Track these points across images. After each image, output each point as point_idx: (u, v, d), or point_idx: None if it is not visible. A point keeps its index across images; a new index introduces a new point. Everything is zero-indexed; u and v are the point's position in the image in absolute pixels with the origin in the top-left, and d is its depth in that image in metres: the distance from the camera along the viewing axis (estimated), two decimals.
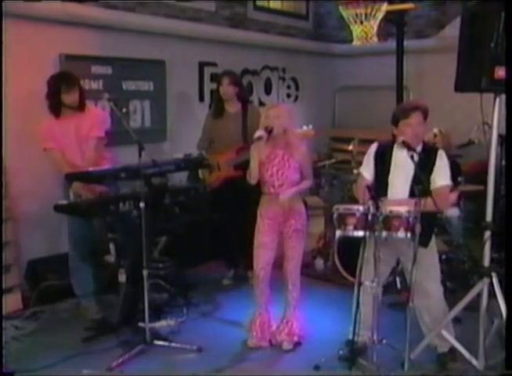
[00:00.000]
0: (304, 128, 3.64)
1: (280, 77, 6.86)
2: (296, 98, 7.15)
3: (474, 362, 3.02)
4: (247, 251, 3.65)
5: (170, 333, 3.68)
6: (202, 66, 5.76)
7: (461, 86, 2.95)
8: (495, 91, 2.88)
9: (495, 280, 2.95)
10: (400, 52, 5.92)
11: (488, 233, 3.01)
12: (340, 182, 5.06)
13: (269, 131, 3.35)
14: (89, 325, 3.80)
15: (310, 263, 4.95)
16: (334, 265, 4.25)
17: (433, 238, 3.20)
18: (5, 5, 3.49)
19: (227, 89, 4.48)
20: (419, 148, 3.10)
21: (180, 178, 4.60)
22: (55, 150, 3.80)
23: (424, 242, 3.03)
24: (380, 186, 3.15)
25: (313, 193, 5.72)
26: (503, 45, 2.71)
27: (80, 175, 3.60)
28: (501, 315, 2.90)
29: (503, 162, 4.08)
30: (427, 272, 3.11)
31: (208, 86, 5.78)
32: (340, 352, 3.28)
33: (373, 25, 5.47)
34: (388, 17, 5.69)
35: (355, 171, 4.78)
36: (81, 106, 3.85)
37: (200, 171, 4.59)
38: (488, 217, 3.01)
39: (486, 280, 2.98)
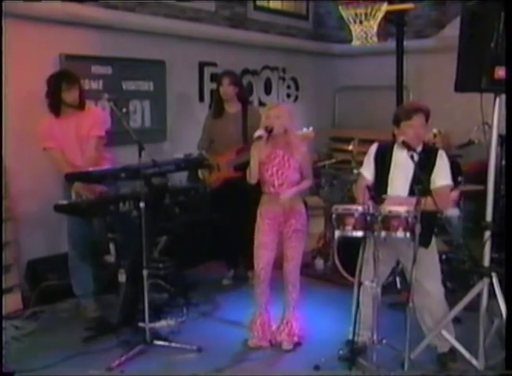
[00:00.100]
0: (305, 130, 3.64)
1: (280, 77, 6.86)
2: (296, 98, 7.15)
3: (474, 362, 3.02)
4: (247, 251, 3.65)
5: (170, 333, 3.68)
6: (202, 66, 5.76)
7: (461, 86, 2.95)
8: (495, 91, 2.88)
9: (495, 280, 2.95)
10: (400, 52, 5.92)
11: (488, 233, 3.01)
12: (340, 182, 5.06)
13: (269, 130, 3.35)
14: (89, 325, 3.80)
15: (310, 263, 4.95)
16: (334, 265, 4.25)
17: (433, 239, 3.20)
18: (5, 5, 3.49)
19: (227, 89, 4.47)
20: (419, 148, 3.10)
21: (180, 178, 4.61)
22: (54, 150, 3.80)
23: (425, 242, 3.03)
24: (380, 186, 3.15)
25: (313, 193, 5.72)
26: (503, 45, 2.71)
27: (80, 175, 3.60)
28: (501, 315, 2.90)
29: (503, 162, 4.08)
30: (427, 272, 3.12)
31: (208, 86, 5.78)
32: (340, 352, 3.29)
33: (373, 25, 5.46)
34: (388, 17, 5.68)
35: (355, 171, 4.78)
36: (81, 105, 3.86)
37: (199, 172, 4.60)
38: (488, 217, 3.02)
39: (486, 280, 2.98)
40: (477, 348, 3.02)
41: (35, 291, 4.13)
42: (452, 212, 4.47)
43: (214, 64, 5.80)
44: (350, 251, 3.26)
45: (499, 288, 2.93)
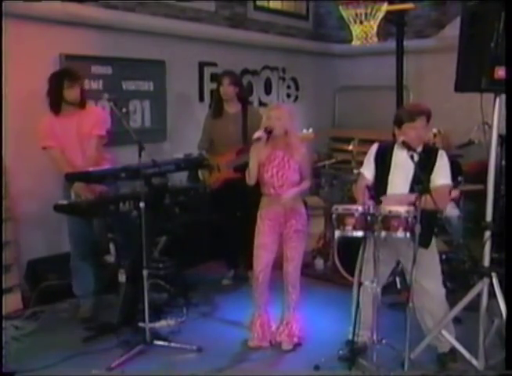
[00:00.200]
0: (305, 131, 3.64)
1: (280, 77, 6.86)
2: (296, 98, 7.15)
3: (474, 362, 3.02)
4: (247, 251, 3.65)
5: (170, 333, 3.68)
6: (202, 66, 5.76)
7: (461, 86, 2.95)
8: (495, 91, 2.88)
9: (495, 280, 2.95)
10: (400, 52, 5.92)
11: (488, 233, 3.01)
12: (340, 182, 5.06)
13: (269, 132, 3.35)
14: (89, 325, 3.80)
15: (310, 263, 4.95)
16: (334, 265, 4.25)
17: (433, 239, 3.20)
18: (5, 5, 3.50)
19: (227, 89, 4.47)
20: (419, 148, 3.11)
21: (180, 178, 4.61)
22: (54, 149, 3.79)
23: (425, 243, 3.03)
24: (380, 186, 3.16)
25: (313, 193, 5.72)
26: (503, 45, 2.71)
27: (80, 175, 3.59)
28: (501, 315, 2.90)
29: (503, 162, 4.08)
30: (428, 272, 3.12)
31: (208, 86, 5.78)
32: (340, 352, 3.29)
33: (373, 25, 5.47)
34: (388, 17, 5.68)
35: (355, 171, 4.78)
36: (82, 104, 3.86)
37: (199, 173, 4.59)
38: (488, 217, 3.01)
39: (486, 280, 2.98)
40: (477, 348, 3.02)
41: (35, 291, 4.13)
42: (452, 212, 4.47)
43: (214, 64, 5.79)
44: (350, 251, 3.27)
45: (499, 288, 2.93)
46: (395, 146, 3.18)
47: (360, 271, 3.06)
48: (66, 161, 3.79)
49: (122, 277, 3.73)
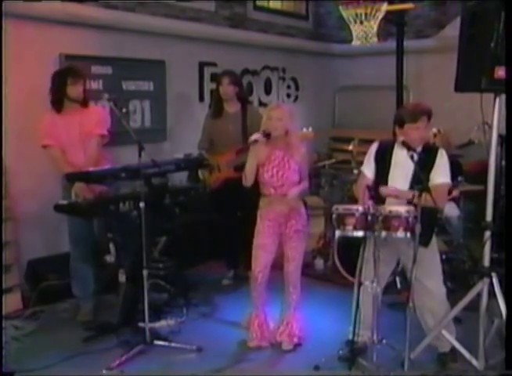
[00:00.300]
0: (304, 130, 3.64)
1: (280, 77, 6.86)
2: (296, 98, 7.15)
3: (474, 362, 3.02)
4: (247, 251, 3.64)
5: (170, 333, 3.68)
6: (202, 66, 5.76)
7: (461, 86, 2.95)
8: (495, 91, 2.88)
9: (495, 280, 2.95)
10: (400, 52, 5.92)
11: (488, 233, 3.01)
12: (340, 182, 5.06)
13: (266, 135, 3.35)
14: (89, 325, 3.80)
15: (310, 263, 4.95)
16: (334, 265, 4.25)
17: (434, 237, 3.20)
18: (5, 5, 3.49)
19: (227, 89, 4.47)
20: (419, 148, 3.11)
21: (180, 178, 4.61)
22: (54, 148, 3.78)
23: (424, 242, 3.03)
24: (379, 185, 3.15)
25: (313, 193, 5.72)
26: (503, 45, 2.71)
27: (80, 175, 3.59)
28: (501, 315, 2.90)
29: (503, 162, 4.08)
30: (428, 271, 3.12)
31: (208, 86, 5.78)
32: (340, 352, 3.29)
33: (373, 25, 5.47)
34: (388, 17, 5.69)
35: (355, 171, 4.79)
36: (84, 102, 3.86)
37: (199, 172, 4.59)
38: (488, 217, 3.02)
39: (486, 280, 2.98)
40: (477, 348, 3.02)
41: (35, 291, 4.13)
42: (452, 212, 4.47)
43: (214, 64, 5.79)
44: (350, 251, 3.26)
45: (499, 288, 2.93)
46: (396, 145, 3.17)
47: (360, 271, 3.06)
48: (66, 160, 3.79)
49: (122, 277, 3.73)
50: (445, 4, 6.58)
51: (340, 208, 3.00)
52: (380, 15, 5.44)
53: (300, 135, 3.57)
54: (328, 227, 5.00)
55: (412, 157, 2.95)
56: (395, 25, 5.93)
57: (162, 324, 3.72)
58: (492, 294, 2.96)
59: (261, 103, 6.44)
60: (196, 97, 5.77)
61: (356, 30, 5.54)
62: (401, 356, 3.01)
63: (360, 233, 2.95)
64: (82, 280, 3.99)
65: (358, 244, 3.16)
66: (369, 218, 2.89)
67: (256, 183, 3.48)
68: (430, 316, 3.20)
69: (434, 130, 4.34)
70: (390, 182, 3.15)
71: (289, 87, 7.04)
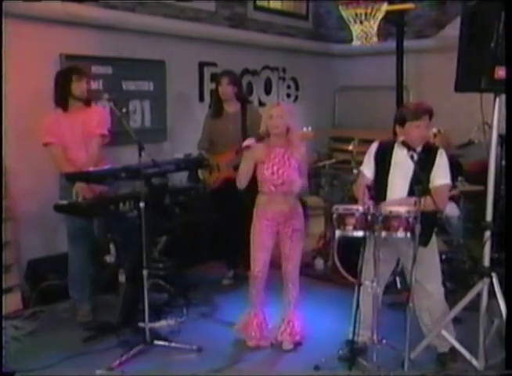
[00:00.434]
0: (304, 129, 3.64)
1: (280, 77, 6.86)
2: (296, 98, 7.15)
3: (474, 362, 3.02)
4: (247, 251, 3.64)
5: (170, 333, 3.68)
6: (202, 66, 5.76)
7: (461, 86, 2.95)
8: (495, 91, 2.88)
9: (495, 280, 2.96)
10: (400, 52, 5.92)
11: (488, 233, 3.01)
12: (340, 182, 5.07)
13: (259, 139, 3.37)
14: (89, 325, 3.80)
15: (310, 263, 4.95)
16: (334, 265, 4.24)
17: (433, 237, 3.20)
18: (5, 5, 3.49)
19: (226, 89, 4.47)
20: (419, 148, 3.10)
21: (180, 178, 4.61)
22: (55, 146, 3.77)
23: (424, 241, 3.02)
24: (379, 185, 3.16)
25: (313, 193, 5.72)
26: (503, 45, 2.71)
27: (80, 174, 3.59)
28: (501, 315, 2.90)
29: (503, 162, 4.08)
30: (428, 271, 3.12)
31: (208, 86, 5.78)
32: (340, 352, 3.29)
33: (373, 25, 5.46)
34: (388, 17, 5.67)
35: (355, 171, 4.78)
36: (88, 101, 3.86)
37: (199, 172, 4.59)
38: (488, 217, 3.02)
39: (486, 280, 2.98)
40: (477, 348, 3.02)
41: (35, 291, 4.13)
42: (452, 212, 4.47)
43: (214, 64, 5.79)
44: (350, 251, 3.26)
45: (499, 288, 2.93)
46: (395, 145, 3.17)
47: (360, 271, 3.06)
48: (67, 159, 3.78)
49: (122, 277, 3.73)
50: (445, 4, 6.58)
51: (341, 208, 3.00)
52: (380, 15, 5.43)
53: (300, 134, 3.58)
54: (328, 227, 5.00)
55: (412, 157, 2.94)
56: (395, 25, 5.92)
57: (162, 324, 3.72)
58: (492, 294, 2.96)
59: (261, 103, 6.43)
60: (196, 97, 5.77)
61: (356, 30, 5.53)
62: (401, 356, 3.01)
63: (360, 233, 2.95)
64: (79, 283, 3.95)
65: (358, 244, 3.16)
66: (369, 218, 2.89)
67: (255, 183, 3.48)
68: (427, 314, 3.21)
69: (434, 130, 4.34)
70: (390, 183, 3.15)
71: (289, 87, 7.04)
